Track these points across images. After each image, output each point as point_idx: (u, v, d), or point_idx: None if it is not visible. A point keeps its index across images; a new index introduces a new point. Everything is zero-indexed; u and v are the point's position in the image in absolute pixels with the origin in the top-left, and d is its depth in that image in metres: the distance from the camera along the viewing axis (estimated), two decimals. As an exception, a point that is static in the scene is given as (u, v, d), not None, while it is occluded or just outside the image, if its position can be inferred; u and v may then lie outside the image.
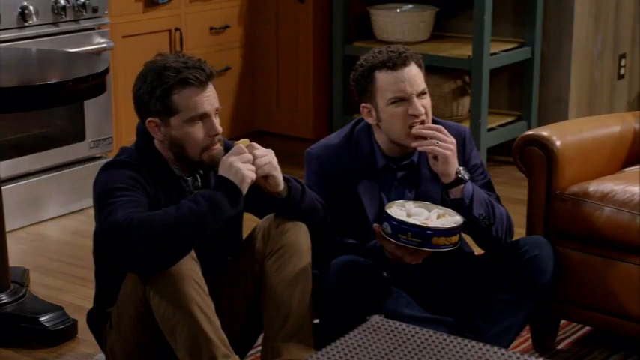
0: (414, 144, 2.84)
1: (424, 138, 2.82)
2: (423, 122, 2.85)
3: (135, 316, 2.66)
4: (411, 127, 2.85)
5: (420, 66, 2.90)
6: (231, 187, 2.59)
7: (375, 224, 2.82)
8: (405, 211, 2.80)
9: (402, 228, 2.73)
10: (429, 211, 2.82)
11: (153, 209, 2.65)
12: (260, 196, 2.77)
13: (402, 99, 2.85)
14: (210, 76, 2.71)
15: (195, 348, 2.55)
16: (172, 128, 2.69)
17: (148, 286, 2.58)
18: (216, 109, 2.73)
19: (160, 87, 2.67)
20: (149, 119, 2.71)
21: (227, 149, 2.77)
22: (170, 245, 2.52)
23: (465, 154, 2.97)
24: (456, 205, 2.84)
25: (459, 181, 2.83)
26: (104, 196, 2.62)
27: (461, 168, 2.84)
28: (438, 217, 2.80)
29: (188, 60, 2.71)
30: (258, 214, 2.91)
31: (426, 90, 2.89)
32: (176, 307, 2.54)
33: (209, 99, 2.70)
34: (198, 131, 2.69)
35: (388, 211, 2.78)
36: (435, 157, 2.82)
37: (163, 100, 2.67)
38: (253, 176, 2.62)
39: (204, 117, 2.69)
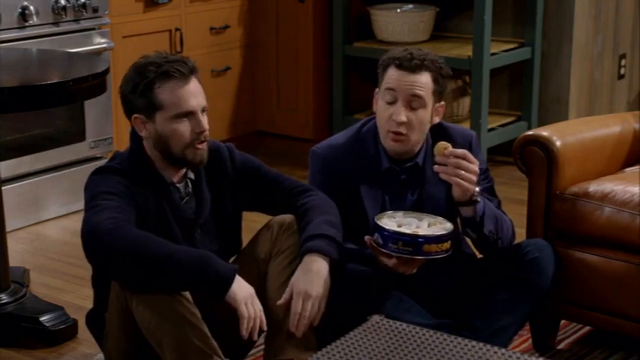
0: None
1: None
2: (398, 133, 2.82)
3: (121, 323, 2.65)
4: (388, 130, 2.84)
5: (435, 80, 2.84)
6: (222, 287, 2.54)
7: (366, 236, 2.81)
8: (396, 221, 2.80)
9: (392, 237, 2.73)
10: (420, 220, 2.81)
11: (141, 216, 2.65)
12: (269, 193, 2.80)
13: (392, 91, 2.83)
14: (192, 70, 2.69)
15: (183, 359, 2.54)
16: (157, 124, 2.69)
17: (129, 298, 2.57)
18: (203, 108, 2.71)
19: (142, 82, 2.66)
20: (134, 116, 2.71)
21: (214, 150, 2.78)
22: (136, 269, 2.51)
23: None
24: (467, 223, 2.83)
25: (471, 202, 2.81)
26: (92, 198, 2.63)
27: (477, 189, 2.79)
28: (429, 226, 2.80)
29: (169, 55, 2.72)
30: (267, 211, 2.91)
31: (420, 104, 2.83)
32: (160, 319, 2.52)
33: (195, 95, 2.69)
34: (183, 128, 2.68)
35: (378, 222, 2.77)
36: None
37: (147, 95, 2.67)
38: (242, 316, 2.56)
39: (189, 114, 2.68)
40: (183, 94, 2.67)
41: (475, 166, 2.76)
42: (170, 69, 2.66)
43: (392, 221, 2.80)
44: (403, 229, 2.74)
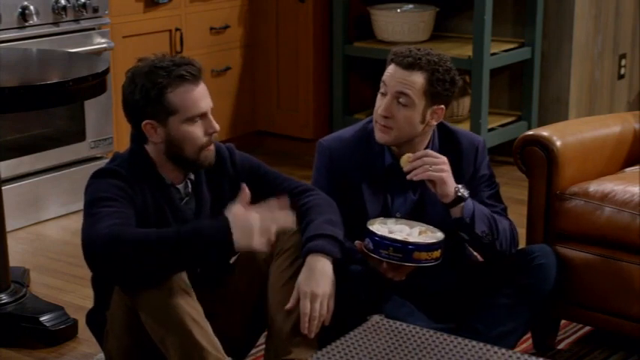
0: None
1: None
2: (383, 125, 2.85)
3: (125, 322, 2.65)
4: (376, 121, 2.88)
5: (429, 81, 2.83)
6: (225, 243, 2.50)
7: (357, 241, 2.82)
8: (387, 227, 2.81)
9: (383, 243, 2.73)
10: (411, 228, 2.82)
11: (141, 218, 2.64)
12: (269, 193, 2.80)
13: (384, 85, 2.86)
14: (200, 70, 2.70)
15: (187, 356, 2.53)
16: (171, 128, 2.68)
17: (134, 296, 2.56)
18: (211, 108, 2.73)
19: (155, 88, 2.64)
20: (145, 122, 2.68)
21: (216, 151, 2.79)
22: (138, 267, 2.50)
23: (476, 164, 2.96)
24: (458, 224, 2.83)
25: (458, 199, 2.82)
26: (90, 204, 2.62)
27: (459, 186, 2.82)
28: (420, 234, 2.80)
29: (174, 58, 2.71)
30: None
31: (407, 101, 2.82)
32: (164, 317, 2.52)
33: (205, 97, 2.70)
34: (197, 130, 2.68)
35: (370, 227, 2.78)
36: (430, 181, 2.82)
37: (160, 100, 2.65)
38: (262, 248, 2.53)
39: (202, 116, 2.69)
40: (195, 97, 2.67)
41: (440, 159, 2.81)
42: (183, 72, 2.65)
43: (383, 227, 2.81)
44: (394, 236, 2.75)
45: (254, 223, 2.50)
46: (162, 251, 2.48)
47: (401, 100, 2.84)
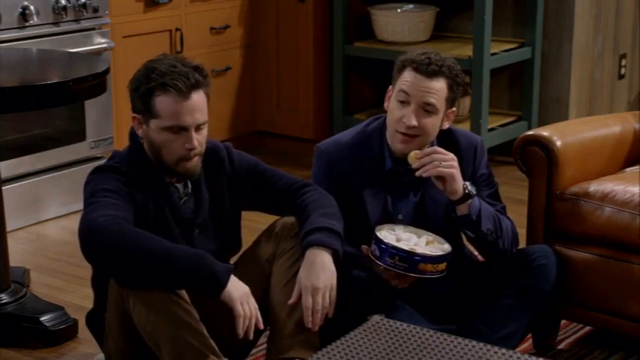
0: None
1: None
2: (408, 134, 2.83)
3: (120, 324, 2.65)
4: (397, 131, 2.84)
5: (450, 87, 2.84)
6: (217, 286, 2.54)
7: (363, 246, 2.82)
8: (395, 235, 2.81)
9: (390, 252, 2.73)
10: (419, 237, 2.82)
11: (140, 215, 2.65)
12: (267, 190, 2.79)
13: (406, 94, 2.83)
14: (193, 86, 2.65)
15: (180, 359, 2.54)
16: (151, 130, 2.69)
17: (127, 299, 2.57)
18: (200, 124, 2.68)
19: (143, 86, 2.66)
20: (134, 115, 2.72)
21: (212, 150, 2.78)
22: (132, 266, 2.52)
23: (475, 163, 2.95)
24: (464, 222, 2.83)
25: (466, 196, 2.81)
26: (90, 196, 2.64)
27: (467, 183, 2.82)
28: (427, 244, 2.80)
29: (179, 65, 2.68)
30: (265, 208, 2.92)
31: (433, 109, 2.82)
32: (157, 320, 2.53)
33: (191, 111, 2.65)
34: (175, 141, 2.67)
35: (378, 234, 2.78)
36: (439, 178, 2.80)
37: (145, 100, 2.66)
38: (242, 313, 2.56)
39: (182, 129, 2.67)
40: (179, 110, 2.65)
41: (449, 155, 2.80)
42: (169, 83, 2.63)
43: (391, 234, 2.80)
44: (402, 245, 2.75)
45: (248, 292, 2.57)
46: (157, 262, 2.50)
47: (426, 109, 2.83)
